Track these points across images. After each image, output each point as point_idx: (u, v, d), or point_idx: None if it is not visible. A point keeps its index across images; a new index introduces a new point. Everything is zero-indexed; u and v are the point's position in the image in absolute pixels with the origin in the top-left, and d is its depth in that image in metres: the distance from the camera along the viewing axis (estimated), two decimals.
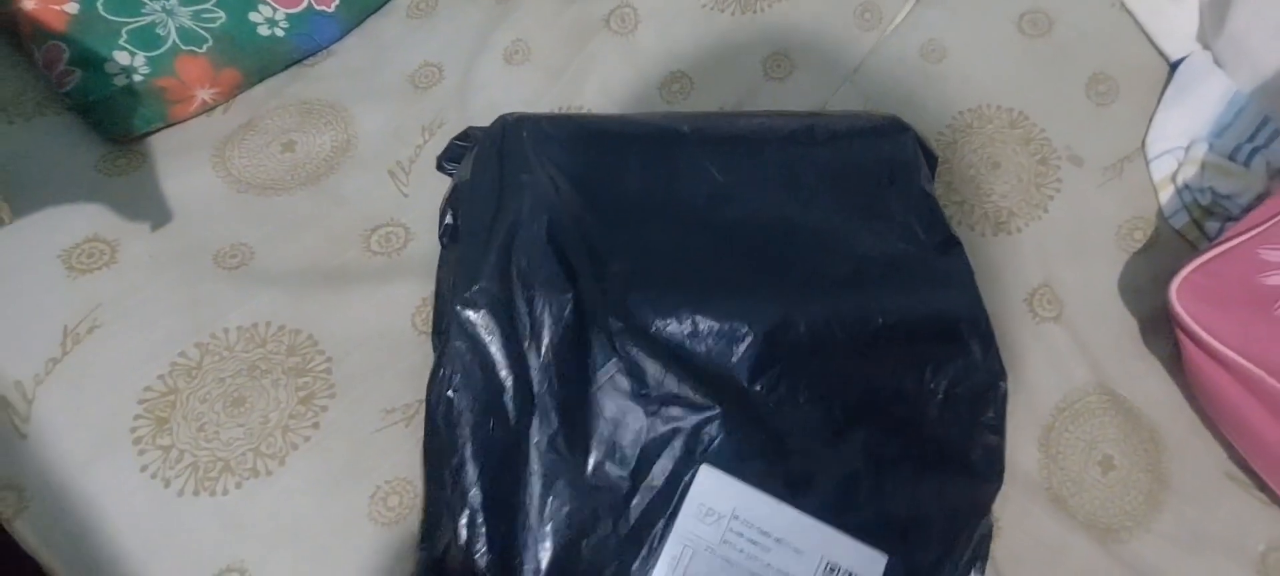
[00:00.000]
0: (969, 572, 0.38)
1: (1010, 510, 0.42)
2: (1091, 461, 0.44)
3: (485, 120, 0.50)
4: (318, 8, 0.56)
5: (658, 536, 0.36)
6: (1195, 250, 0.48)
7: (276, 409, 0.43)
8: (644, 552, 0.36)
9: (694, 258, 0.41)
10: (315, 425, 0.43)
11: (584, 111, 0.54)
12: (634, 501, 0.37)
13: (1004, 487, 0.43)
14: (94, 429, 0.42)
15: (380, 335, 0.45)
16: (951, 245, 0.42)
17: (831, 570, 0.36)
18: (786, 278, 0.40)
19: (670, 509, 0.36)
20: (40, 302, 0.45)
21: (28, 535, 0.40)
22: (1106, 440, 0.44)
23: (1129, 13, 0.56)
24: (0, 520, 0.40)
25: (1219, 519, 0.43)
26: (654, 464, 0.37)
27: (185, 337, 0.44)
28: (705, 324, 0.38)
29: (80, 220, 0.47)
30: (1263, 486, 0.43)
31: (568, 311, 0.39)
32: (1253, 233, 0.41)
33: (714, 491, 0.37)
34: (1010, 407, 0.45)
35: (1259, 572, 0.42)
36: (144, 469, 0.41)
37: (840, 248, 0.41)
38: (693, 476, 0.37)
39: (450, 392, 0.39)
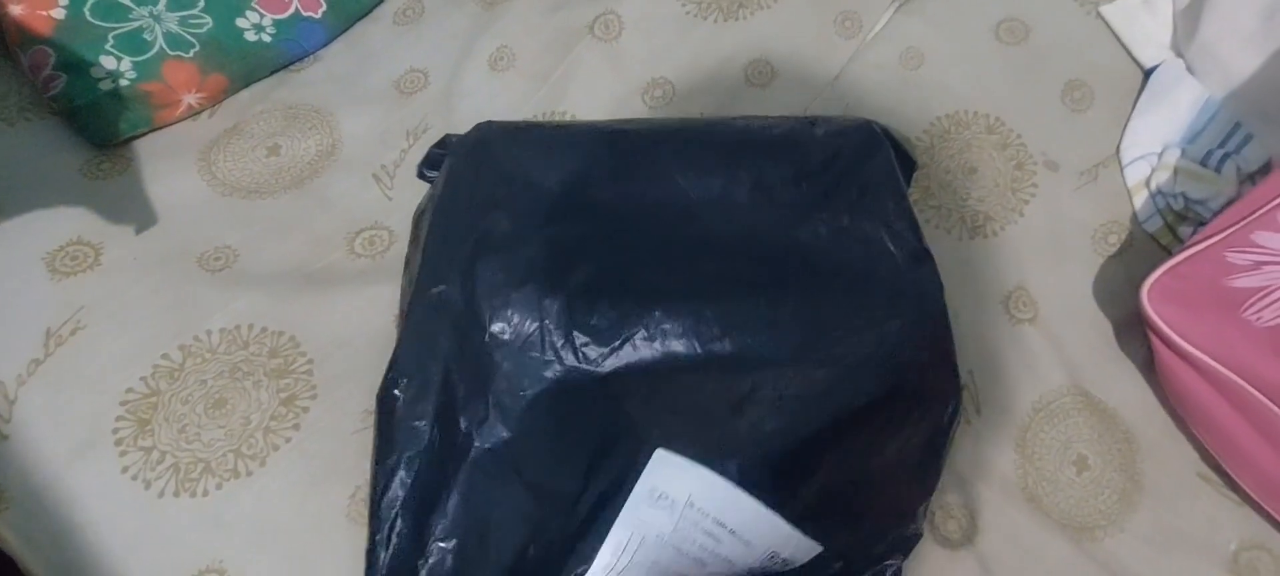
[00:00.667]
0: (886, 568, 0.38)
1: (987, 510, 0.43)
2: (1066, 461, 0.44)
3: (469, 126, 0.51)
4: (304, 14, 0.57)
5: (607, 528, 0.36)
6: (1168, 254, 0.49)
7: (258, 410, 0.43)
8: (592, 548, 0.36)
9: (660, 268, 0.41)
10: (296, 426, 0.43)
11: (567, 117, 0.55)
12: (582, 501, 0.36)
13: (982, 489, 0.43)
14: (76, 430, 0.42)
15: (362, 336, 0.46)
16: (923, 258, 0.42)
17: (772, 557, 0.36)
18: (751, 291, 0.40)
19: (621, 500, 0.36)
20: (23, 304, 0.45)
21: (8, 535, 0.40)
22: (1081, 440, 0.45)
23: (1104, 21, 0.57)
24: None
25: (1191, 518, 0.43)
26: (604, 466, 0.37)
27: (168, 339, 0.45)
28: (668, 333, 0.38)
29: (64, 223, 0.48)
30: (1234, 486, 0.43)
31: (529, 322, 0.39)
32: (1220, 236, 0.42)
33: (668, 475, 0.36)
34: (986, 409, 0.45)
35: (1231, 571, 0.42)
36: (125, 470, 0.41)
37: (807, 262, 0.41)
38: (645, 462, 0.36)
39: (396, 391, 0.39)
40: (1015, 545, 0.42)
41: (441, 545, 0.37)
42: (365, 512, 0.41)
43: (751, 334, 0.39)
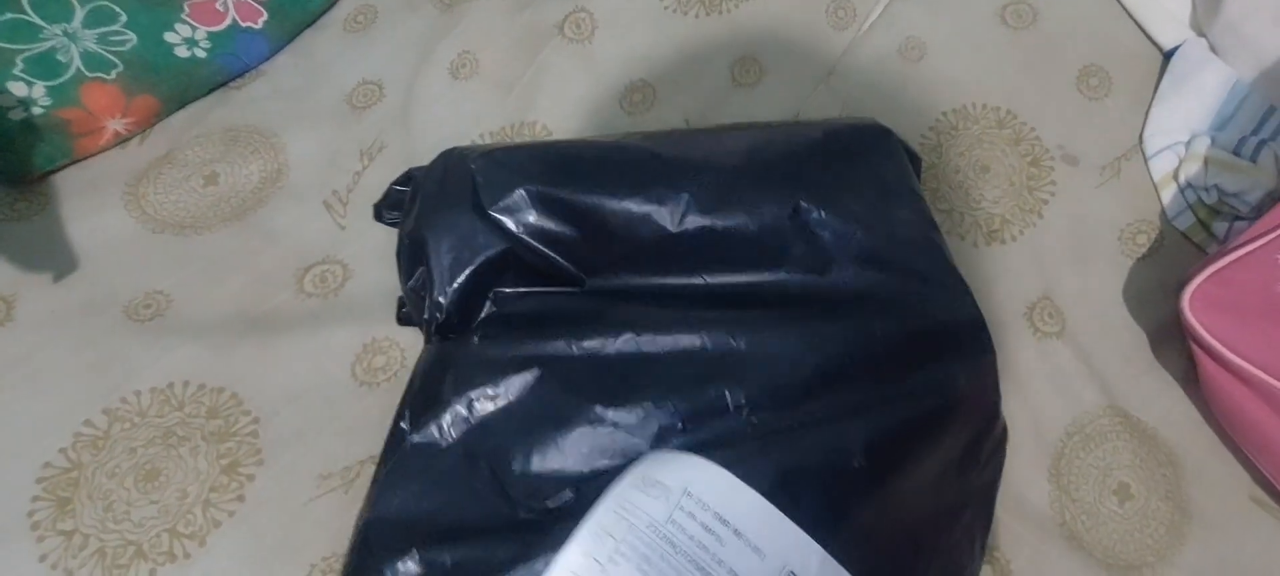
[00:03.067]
0: None
1: (1023, 552, 0.38)
2: (1107, 491, 0.40)
3: (430, 141, 0.46)
4: (243, 24, 0.51)
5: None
6: (1204, 254, 0.45)
7: (196, 481, 0.38)
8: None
9: (673, 305, 0.36)
10: (240, 497, 0.38)
11: (537, 127, 0.50)
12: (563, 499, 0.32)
13: (1015, 526, 0.39)
14: None
15: (315, 389, 0.40)
16: (951, 278, 0.38)
17: None
18: (776, 326, 0.35)
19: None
20: None
21: None
22: (1121, 466, 0.40)
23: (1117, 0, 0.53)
24: None
25: (1247, 548, 0.39)
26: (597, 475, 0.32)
27: (90, 404, 0.39)
28: (686, 381, 0.33)
29: None
30: None
31: (533, 377, 0.35)
32: (1270, 237, 0.38)
33: (663, 462, 0.31)
34: (1015, 435, 0.41)
35: None
36: (43, 558, 0.36)
37: (832, 295, 0.36)
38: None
39: (405, 424, 0.36)
40: None
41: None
42: None
43: (781, 366, 0.34)
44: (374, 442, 0.38)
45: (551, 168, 0.39)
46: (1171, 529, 0.39)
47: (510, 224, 0.38)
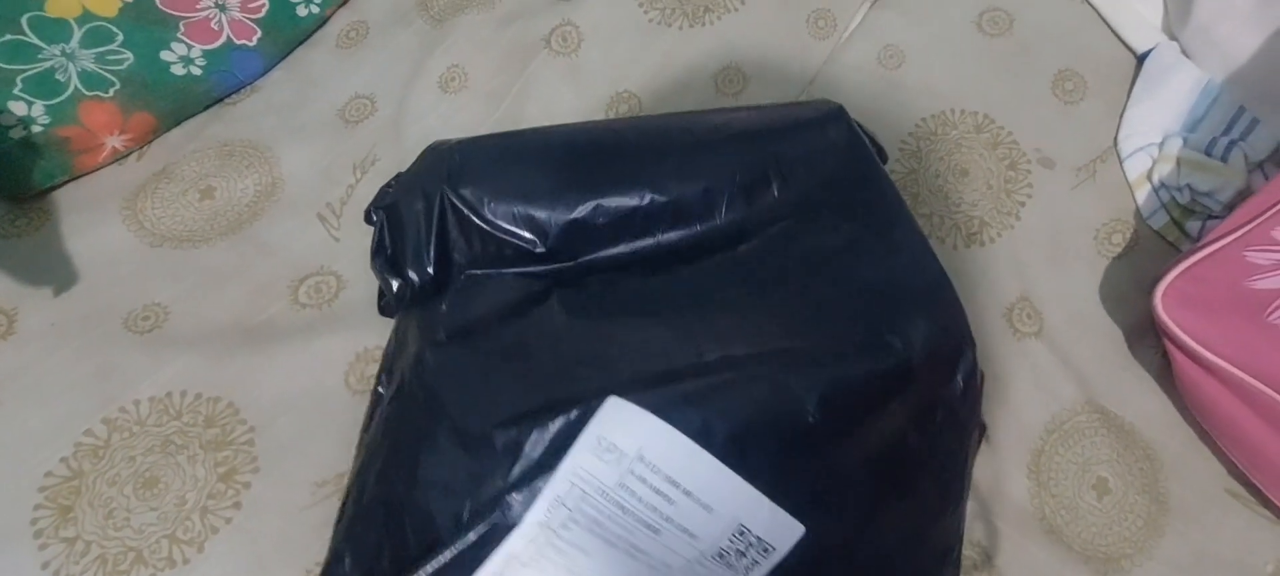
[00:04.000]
0: None
1: (1005, 547, 0.39)
2: (1085, 486, 0.41)
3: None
4: (238, 42, 0.52)
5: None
6: (1177, 252, 0.46)
7: (194, 488, 0.39)
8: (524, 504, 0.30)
9: (632, 270, 0.38)
10: (237, 504, 0.39)
11: None
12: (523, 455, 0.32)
13: (995, 523, 0.40)
14: None
15: (309, 397, 0.41)
16: (899, 217, 0.40)
17: (741, 534, 0.31)
18: (730, 281, 0.37)
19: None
20: None
21: None
22: (1100, 461, 0.41)
23: (1090, 5, 0.54)
24: None
25: (1223, 539, 0.40)
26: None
27: (91, 414, 0.40)
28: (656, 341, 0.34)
29: None
30: (1266, 502, 0.40)
31: (497, 333, 0.36)
32: (1237, 234, 0.39)
33: (619, 424, 0.31)
34: (995, 432, 0.42)
35: None
36: (46, 565, 0.37)
37: (788, 250, 0.38)
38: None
39: (381, 388, 0.37)
40: None
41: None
42: None
43: (745, 328, 0.35)
44: None
45: (524, 153, 0.40)
46: (1149, 521, 0.40)
47: (480, 203, 0.39)
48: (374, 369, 0.43)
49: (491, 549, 0.30)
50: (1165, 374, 0.43)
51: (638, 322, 0.36)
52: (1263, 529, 0.40)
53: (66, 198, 0.48)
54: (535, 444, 0.31)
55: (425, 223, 0.39)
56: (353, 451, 0.40)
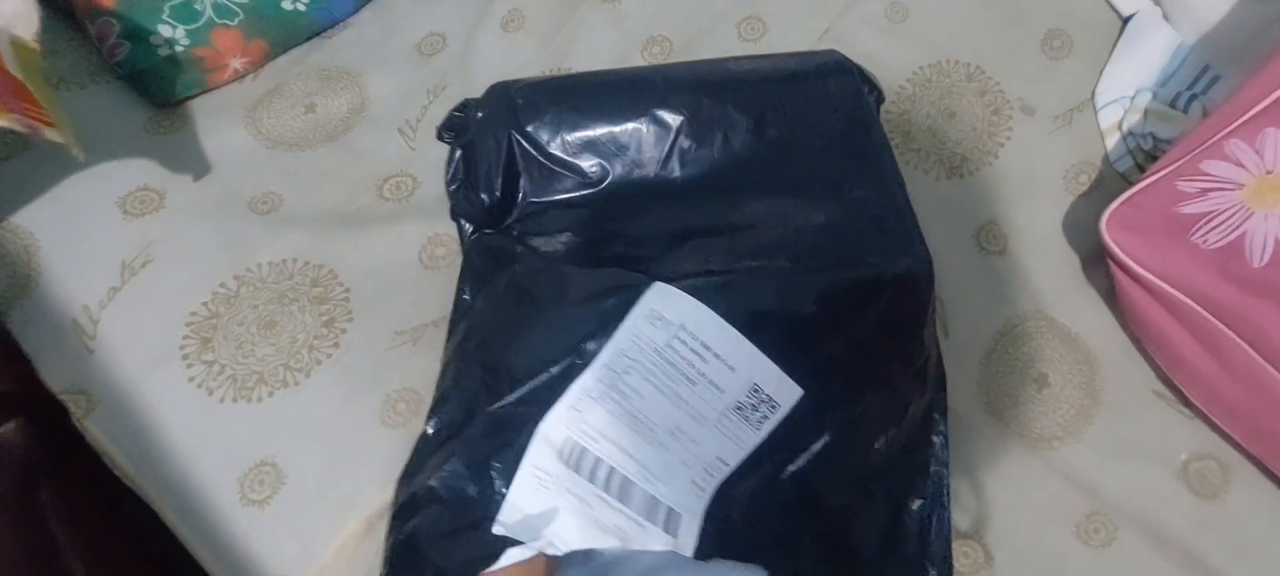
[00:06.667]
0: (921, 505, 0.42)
1: (953, 423, 0.47)
2: (1027, 379, 0.48)
3: (484, 83, 0.56)
4: None
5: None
6: None
7: (303, 330, 0.49)
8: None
9: (670, 195, 0.47)
10: (336, 344, 0.49)
11: (571, 72, 0.60)
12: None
13: (949, 404, 0.47)
14: (149, 346, 0.48)
15: (391, 268, 0.51)
16: (870, 125, 0.49)
17: (755, 390, 0.40)
18: (747, 202, 0.46)
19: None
20: (101, 241, 0.52)
21: (97, 433, 0.47)
22: (1043, 360, 0.48)
23: None
24: (73, 418, 0.47)
25: (1145, 430, 0.47)
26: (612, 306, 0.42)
27: (225, 271, 0.51)
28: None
29: (133, 172, 0.54)
30: (1186, 401, 0.47)
31: (562, 246, 0.47)
32: (1171, 167, 0.45)
33: (666, 303, 0.40)
34: (954, 332, 0.49)
35: (1181, 478, 0.46)
36: (191, 380, 0.48)
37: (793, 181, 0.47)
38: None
39: (466, 294, 0.48)
40: (975, 453, 0.46)
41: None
42: (395, 417, 0.47)
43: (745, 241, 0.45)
44: (435, 309, 0.49)
45: (576, 94, 0.49)
46: (1080, 411, 0.47)
47: (543, 137, 0.48)
48: (441, 250, 0.52)
49: (568, 385, 0.40)
50: (1112, 295, 0.49)
51: (673, 231, 0.46)
52: (1181, 424, 0.47)
53: (200, 106, 0.59)
54: (603, 317, 0.41)
55: (495, 157, 0.49)
56: (421, 310, 0.50)
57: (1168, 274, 0.44)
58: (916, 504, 0.42)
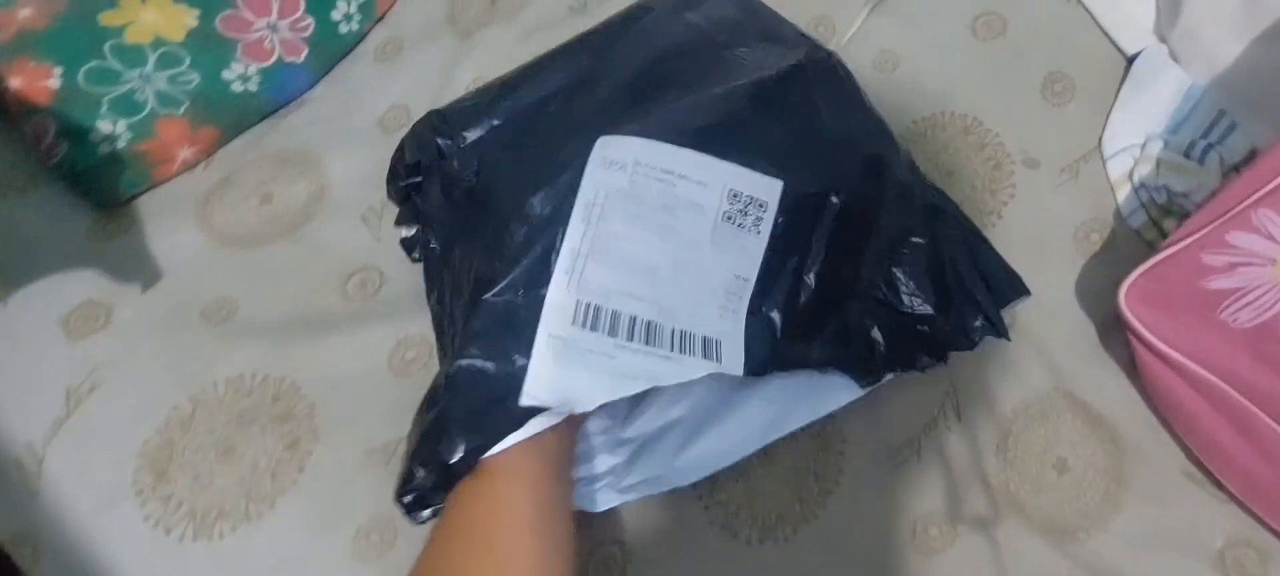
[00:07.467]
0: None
1: (965, 515, 0.44)
2: (1047, 464, 0.45)
3: None
4: (287, 59, 0.58)
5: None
6: (1152, 250, 0.49)
7: (265, 455, 0.46)
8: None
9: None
10: (300, 469, 0.45)
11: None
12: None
13: (961, 494, 0.44)
14: (99, 482, 0.45)
15: (358, 378, 0.48)
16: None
17: (735, 196, 0.40)
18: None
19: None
20: (44, 366, 0.48)
21: None
22: (1063, 442, 0.45)
23: (1084, 6, 0.56)
24: (20, 571, 0.43)
25: (1177, 516, 0.43)
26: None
27: (178, 392, 0.47)
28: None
29: (76, 285, 0.51)
30: (1220, 484, 0.44)
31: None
32: (1194, 237, 0.42)
33: (613, 149, 0.40)
34: (967, 414, 0.46)
35: (1217, 568, 0.42)
36: (146, 518, 0.44)
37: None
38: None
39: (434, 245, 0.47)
40: (994, 552, 0.43)
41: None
42: (369, 551, 0.43)
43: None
44: (408, 424, 0.45)
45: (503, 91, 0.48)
46: (1107, 497, 0.44)
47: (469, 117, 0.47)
48: (412, 353, 0.49)
49: (553, 260, 0.39)
50: (1133, 366, 0.46)
51: (607, 115, 0.44)
52: (1215, 508, 0.44)
53: (147, 204, 0.55)
54: (563, 190, 0.40)
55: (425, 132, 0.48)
56: (394, 424, 0.46)
57: (1195, 353, 0.41)
58: (951, 253, 0.43)
